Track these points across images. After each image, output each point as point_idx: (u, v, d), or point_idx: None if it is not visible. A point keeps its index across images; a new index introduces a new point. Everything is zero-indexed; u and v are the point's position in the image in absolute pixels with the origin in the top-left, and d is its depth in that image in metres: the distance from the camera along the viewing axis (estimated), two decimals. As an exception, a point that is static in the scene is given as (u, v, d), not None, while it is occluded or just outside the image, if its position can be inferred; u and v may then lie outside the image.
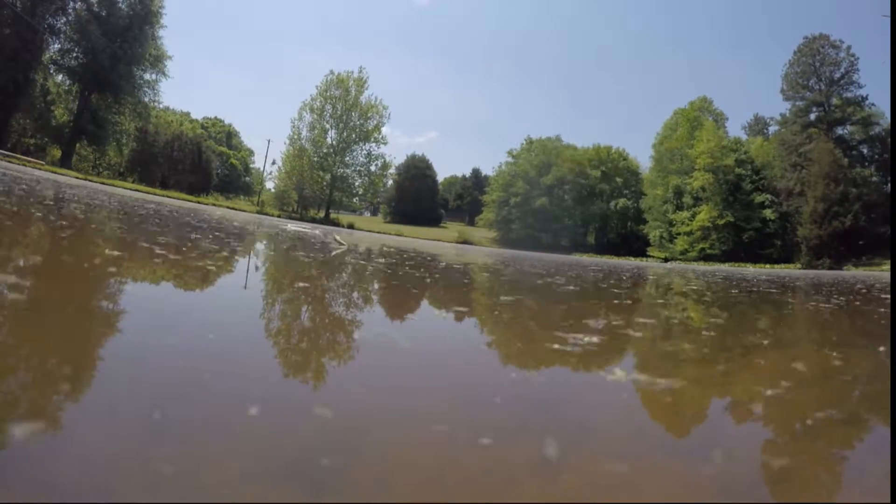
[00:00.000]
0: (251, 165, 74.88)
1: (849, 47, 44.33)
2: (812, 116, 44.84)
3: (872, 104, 43.27)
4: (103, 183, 29.62)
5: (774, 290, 8.61)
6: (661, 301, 5.77)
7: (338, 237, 10.49)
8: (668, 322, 3.77)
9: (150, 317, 1.95)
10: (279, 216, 40.97)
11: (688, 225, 44.96)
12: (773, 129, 51.35)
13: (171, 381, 1.24)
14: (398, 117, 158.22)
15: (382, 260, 7.99)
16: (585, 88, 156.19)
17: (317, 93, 48.37)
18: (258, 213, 40.01)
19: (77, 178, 27.21)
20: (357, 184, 49.86)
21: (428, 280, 5.48)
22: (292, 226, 20.57)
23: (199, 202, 34.52)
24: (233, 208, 37.53)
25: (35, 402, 1.03)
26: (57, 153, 39.47)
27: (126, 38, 38.18)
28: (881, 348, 2.84)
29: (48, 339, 1.40)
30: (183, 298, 2.52)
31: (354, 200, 53.62)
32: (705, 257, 42.32)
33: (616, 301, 4.90)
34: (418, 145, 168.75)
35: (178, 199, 31.40)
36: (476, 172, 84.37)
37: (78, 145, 40.24)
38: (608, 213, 54.93)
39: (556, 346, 2.17)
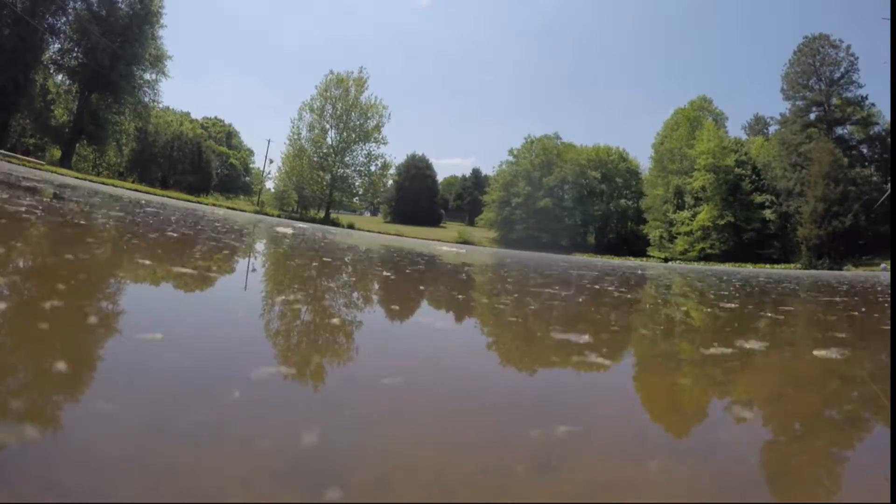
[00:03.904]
0: (251, 165, 74.99)
1: (849, 47, 44.44)
2: (812, 116, 44.90)
3: (872, 104, 43.38)
4: (104, 183, 29.62)
5: None
6: None
7: None
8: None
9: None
10: (279, 216, 40.98)
11: (688, 225, 44.98)
12: (773, 128, 51.45)
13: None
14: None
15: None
16: (585, 87, 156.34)
17: (316, 93, 48.38)
18: (256, 212, 40.00)
19: (77, 177, 27.21)
20: (357, 184, 49.84)
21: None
22: None
23: (199, 202, 34.52)
24: (232, 208, 37.53)
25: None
26: (56, 153, 39.48)
27: (126, 38, 38.18)
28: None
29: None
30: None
31: (354, 200, 53.61)
32: (705, 257, 42.35)
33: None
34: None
35: (180, 199, 31.40)
36: (476, 172, 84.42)
37: (78, 145, 40.24)
38: (608, 214, 54.96)
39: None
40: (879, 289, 10.03)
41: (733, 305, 5.11)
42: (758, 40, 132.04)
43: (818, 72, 44.75)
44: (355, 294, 3.60)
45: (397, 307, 3.21)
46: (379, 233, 38.35)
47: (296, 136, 48.33)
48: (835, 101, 43.86)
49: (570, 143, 57.03)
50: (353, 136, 47.83)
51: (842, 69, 44.28)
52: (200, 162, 49.43)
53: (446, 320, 2.98)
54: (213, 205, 36.51)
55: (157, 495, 0.77)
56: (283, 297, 2.80)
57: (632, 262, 34.01)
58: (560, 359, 2.02)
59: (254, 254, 5.97)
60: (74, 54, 38.03)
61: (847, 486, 1.11)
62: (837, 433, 1.44)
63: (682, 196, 47.11)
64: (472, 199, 75.18)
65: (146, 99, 41.70)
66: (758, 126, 57.63)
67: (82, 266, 2.59)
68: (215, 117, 72.42)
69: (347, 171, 48.91)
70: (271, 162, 61.45)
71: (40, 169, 26.13)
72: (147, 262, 3.30)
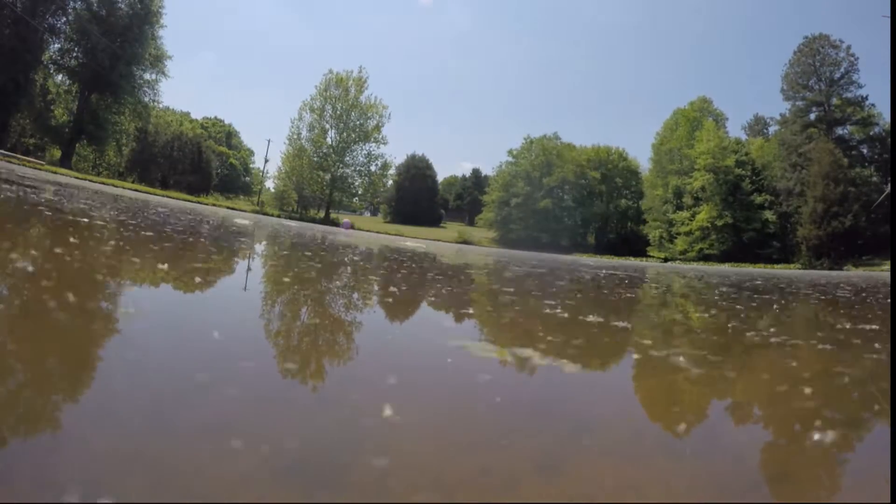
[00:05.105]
0: (251, 165, 74.93)
1: (849, 47, 44.35)
2: (812, 116, 44.81)
3: (872, 104, 43.31)
4: (103, 183, 29.62)
5: None
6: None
7: None
8: None
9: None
10: (279, 216, 40.98)
11: (687, 225, 44.97)
12: (773, 128, 51.38)
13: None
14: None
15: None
16: (586, 87, 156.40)
17: (316, 92, 48.38)
18: (255, 212, 40.00)
19: (77, 177, 27.21)
20: (357, 184, 49.84)
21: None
22: None
23: (199, 202, 34.51)
24: (232, 208, 37.54)
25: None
26: (56, 153, 39.48)
27: (126, 38, 38.16)
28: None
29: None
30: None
31: (354, 200, 53.61)
32: (705, 257, 42.33)
33: None
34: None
35: (180, 199, 31.36)
36: (476, 172, 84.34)
37: (78, 145, 40.23)
38: (608, 214, 54.95)
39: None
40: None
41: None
42: (758, 40, 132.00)
43: (818, 72, 44.68)
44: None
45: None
46: (378, 233, 38.35)
47: (296, 136, 48.36)
48: (835, 101, 43.78)
49: (569, 144, 56.99)
50: (353, 135, 47.83)
51: (842, 69, 44.21)
52: (200, 162, 49.43)
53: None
54: (215, 205, 36.52)
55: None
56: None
57: (642, 263, 34.01)
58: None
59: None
60: (74, 54, 38.02)
61: (847, 486, 1.11)
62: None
63: (681, 196, 47.08)
64: (472, 199, 75.06)
65: (146, 99, 41.70)
66: (758, 126, 57.55)
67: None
68: (215, 117, 72.38)
69: (347, 170, 48.91)
70: (267, 161, 61.29)
71: (40, 169, 26.12)
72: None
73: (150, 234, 5.46)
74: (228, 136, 72.52)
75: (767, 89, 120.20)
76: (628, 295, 6.22)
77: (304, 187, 47.59)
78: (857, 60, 44.04)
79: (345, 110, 47.62)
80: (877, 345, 2.97)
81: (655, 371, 2.02)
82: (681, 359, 2.16)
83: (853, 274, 25.26)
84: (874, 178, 41.40)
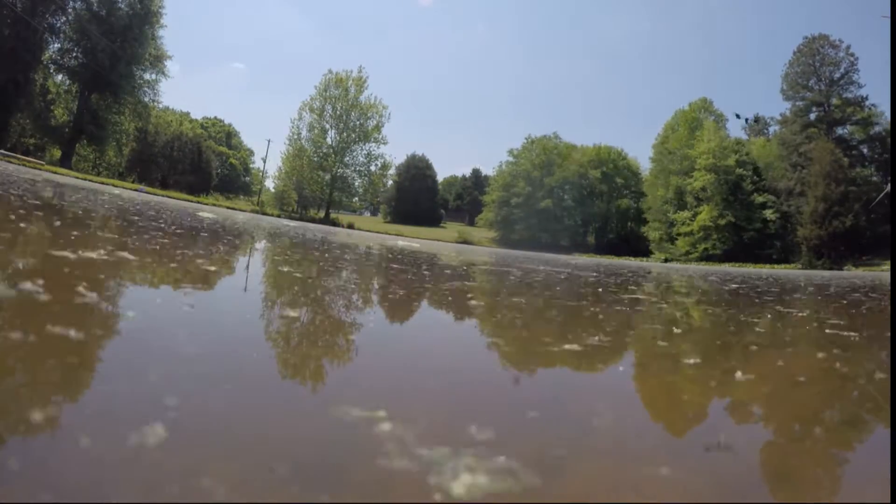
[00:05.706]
0: (251, 165, 74.92)
1: (848, 47, 44.37)
2: (812, 116, 44.82)
3: (872, 104, 43.31)
4: (103, 183, 29.62)
5: None
6: None
7: None
8: None
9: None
10: (279, 216, 40.98)
11: (688, 225, 44.90)
12: (773, 129, 51.41)
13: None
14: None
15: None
16: (587, 87, 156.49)
17: (316, 92, 48.43)
18: (255, 212, 40.00)
19: (77, 177, 27.20)
20: (357, 184, 49.89)
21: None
22: None
23: (199, 202, 34.50)
24: (232, 208, 37.55)
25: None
26: (57, 153, 39.49)
27: (126, 38, 38.18)
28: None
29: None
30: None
31: (354, 200, 53.64)
32: (706, 258, 42.29)
33: None
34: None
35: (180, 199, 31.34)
36: (476, 172, 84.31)
37: (78, 145, 40.24)
38: (608, 214, 54.92)
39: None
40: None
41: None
42: (758, 41, 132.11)
43: (818, 72, 44.69)
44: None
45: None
46: (378, 233, 38.34)
47: (296, 136, 48.42)
48: (835, 101, 43.78)
49: (570, 144, 56.97)
50: (353, 135, 47.87)
51: (842, 69, 44.21)
52: (200, 162, 49.41)
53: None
54: (214, 205, 36.52)
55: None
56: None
57: (643, 263, 34.02)
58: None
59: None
60: (74, 54, 38.03)
61: (847, 486, 1.11)
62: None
63: (682, 196, 47.02)
64: (472, 199, 75.03)
65: (146, 99, 41.75)
66: (758, 126, 57.57)
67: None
68: (215, 117, 72.39)
69: (347, 171, 48.97)
70: (265, 161, 61.41)
71: (40, 169, 26.13)
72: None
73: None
74: (228, 136, 72.52)
75: (768, 90, 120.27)
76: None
77: (304, 187, 47.62)
78: (857, 60, 44.13)
79: (344, 110, 47.65)
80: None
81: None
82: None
83: (852, 274, 25.25)
84: (874, 178, 41.43)
